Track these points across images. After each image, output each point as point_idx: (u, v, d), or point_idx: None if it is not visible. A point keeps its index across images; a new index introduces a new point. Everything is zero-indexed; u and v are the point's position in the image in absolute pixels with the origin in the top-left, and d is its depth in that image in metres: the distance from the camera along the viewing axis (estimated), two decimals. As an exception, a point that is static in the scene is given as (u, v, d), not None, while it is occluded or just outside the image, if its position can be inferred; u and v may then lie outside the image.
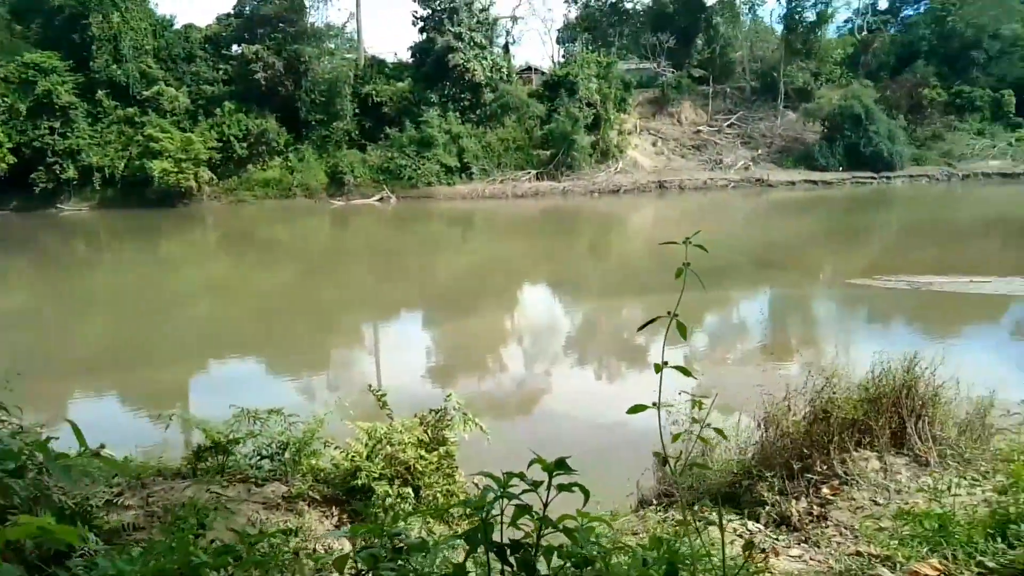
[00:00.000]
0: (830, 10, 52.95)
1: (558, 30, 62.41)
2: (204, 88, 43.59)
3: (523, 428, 10.68)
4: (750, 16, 59.27)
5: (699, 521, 2.94)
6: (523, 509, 1.52)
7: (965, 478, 4.13)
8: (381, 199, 42.28)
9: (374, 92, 45.79)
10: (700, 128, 51.92)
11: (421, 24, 47.57)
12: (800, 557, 3.78)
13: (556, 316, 18.49)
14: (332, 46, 47.63)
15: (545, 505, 1.54)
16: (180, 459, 5.10)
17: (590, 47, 54.05)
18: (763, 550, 3.70)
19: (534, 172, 45.09)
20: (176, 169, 38.50)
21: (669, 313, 1.90)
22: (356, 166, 43.17)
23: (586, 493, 1.60)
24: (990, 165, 48.23)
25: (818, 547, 3.96)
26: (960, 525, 3.17)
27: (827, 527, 4.25)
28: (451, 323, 17.39)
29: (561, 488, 1.56)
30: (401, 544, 1.52)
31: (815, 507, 4.53)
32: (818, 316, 17.40)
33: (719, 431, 2.01)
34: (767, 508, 4.57)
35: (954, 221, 32.89)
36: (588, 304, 19.26)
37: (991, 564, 2.79)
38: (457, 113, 45.18)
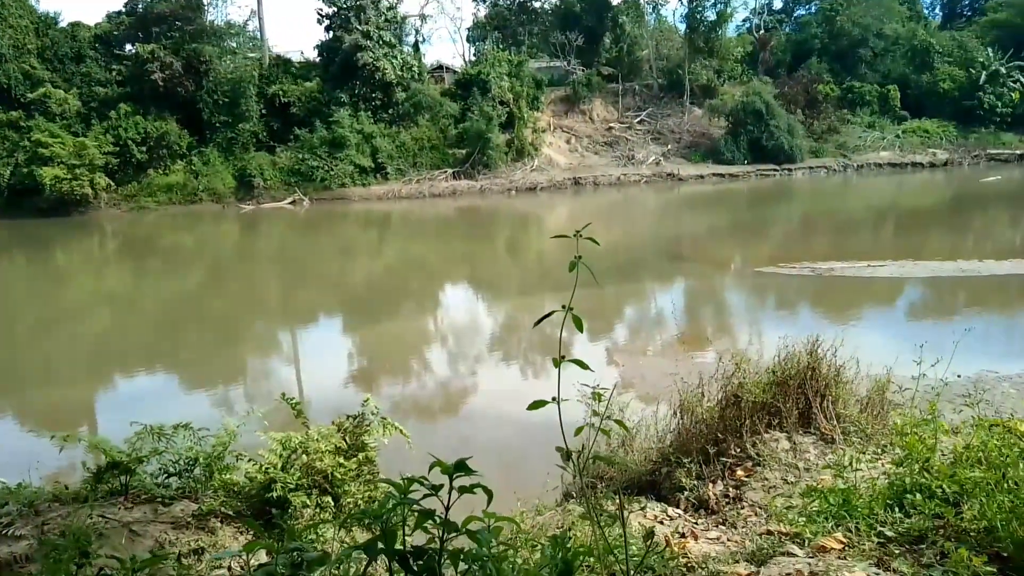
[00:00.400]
0: (729, 10, 54.98)
1: (468, 29, 62.62)
2: (96, 90, 41.22)
3: (448, 430, 10.62)
4: (654, 16, 60.92)
5: (604, 513, 2.97)
6: (426, 514, 1.48)
7: (866, 453, 4.36)
8: (293, 202, 41.14)
9: (281, 92, 44.50)
10: (612, 125, 53.00)
11: (327, 22, 46.53)
12: (718, 539, 3.89)
13: (478, 316, 18.47)
14: (234, 45, 45.95)
15: (447, 508, 1.51)
16: (79, 482, 4.79)
17: (500, 46, 54.29)
18: (682, 535, 3.79)
19: (451, 171, 44.90)
20: (69, 176, 36.22)
21: (564, 307, 1.90)
22: (265, 168, 41.84)
23: (489, 494, 1.57)
24: (881, 156, 51.33)
25: (734, 528, 4.09)
26: (862, 498, 3.34)
27: (742, 508, 4.40)
28: (371, 328, 17.10)
29: (463, 490, 1.53)
30: (300, 559, 1.45)
31: (731, 489, 4.68)
32: (730, 304, 18.06)
33: (620, 422, 2.03)
34: (686, 493, 4.69)
35: (851, 210, 34.82)
36: (509, 303, 19.34)
37: (890, 533, 2.95)
38: (369, 113, 44.45)
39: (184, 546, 3.97)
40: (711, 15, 54.23)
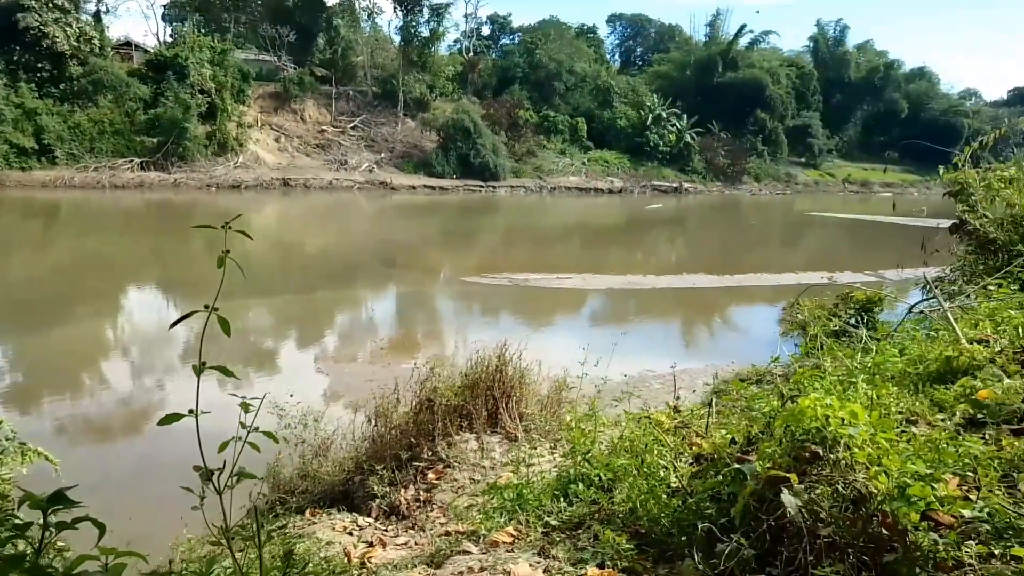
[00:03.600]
0: (441, 29, 57.35)
1: (164, 6, 56.63)
2: None
3: (125, 450, 9.34)
4: (370, 23, 61.13)
5: (277, 533, 2.83)
6: (13, 561, 1.22)
7: (541, 448, 4.74)
8: (-77, 183, 33.42)
9: (-91, 47, 35.99)
10: (324, 128, 51.84)
11: (-21, -29, 38.75)
12: (406, 544, 3.91)
13: (167, 323, 16.62)
14: None
15: (38, 551, 1.26)
16: None
17: (203, 29, 50.04)
18: (370, 544, 3.74)
19: (138, 160, 40.07)
20: None
21: (207, 307, 1.74)
22: None
23: (100, 528, 1.36)
24: (570, 180, 57.41)
25: (423, 531, 4.15)
26: (533, 492, 3.61)
27: (432, 510, 4.49)
28: (30, 335, 14.44)
29: (63, 527, 1.29)
30: None
31: (422, 493, 4.76)
32: (438, 311, 18.65)
33: (269, 434, 1.92)
34: (377, 501, 4.67)
35: (545, 226, 38.32)
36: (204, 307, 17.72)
37: (554, 522, 3.22)
38: (33, 85, 37.86)
39: None
40: (424, 31, 56.06)
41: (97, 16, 44.71)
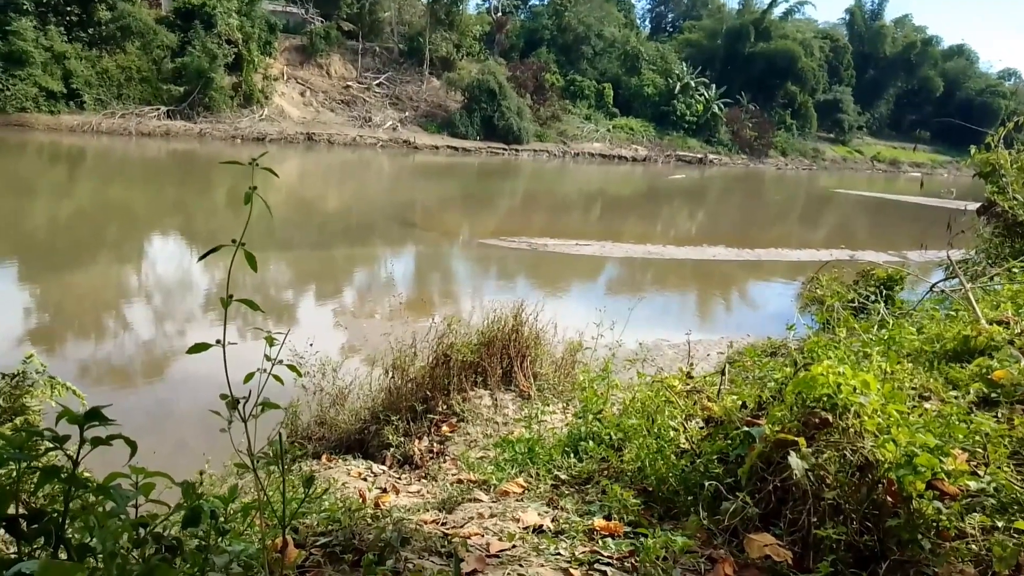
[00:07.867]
0: (470, -14, 56.46)
1: (192, -46, 55.97)
2: None
3: (146, 393, 9.59)
4: (398, -22, 60.20)
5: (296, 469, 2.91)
6: (50, 472, 1.30)
7: (553, 406, 4.83)
8: (-49, 123, 33.75)
9: (-62, -14, 36.03)
10: (350, 84, 51.55)
11: (9, -89, 38.50)
12: (418, 492, 4.02)
13: (189, 269, 16.87)
14: None
15: (75, 463, 1.33)
16: None
17: (231, -21, 49.58)
18: (384, 490, 3.85)
19: (164, 109, 40.17)
20: None
21: (234, 241, 1.79)
22: (-87, 79, 33.71)
23: (132, 446, 1.42)
24: (594, 147, 56.80)
25: (435, 480, 4.26)
26: (544, 447, 3.69)
27: (444, 462, 4.61)
28: (54, 278, 14.73)
29: (98, 442, 1.36)
30: None
31: (435, 444, 4.88)
32: (456, 272, 18.76)
33: (293, 368, 1.97)
34: (392, 450, 4.79)
35: (566, 192, 38.11)
36: (227, 256, 17.93)
37: (563, 476, 3.31)
38: (62, 28, 37.90)
39: None
40: (453, -12, 55.13)
41: (125, -39, 44.42)
